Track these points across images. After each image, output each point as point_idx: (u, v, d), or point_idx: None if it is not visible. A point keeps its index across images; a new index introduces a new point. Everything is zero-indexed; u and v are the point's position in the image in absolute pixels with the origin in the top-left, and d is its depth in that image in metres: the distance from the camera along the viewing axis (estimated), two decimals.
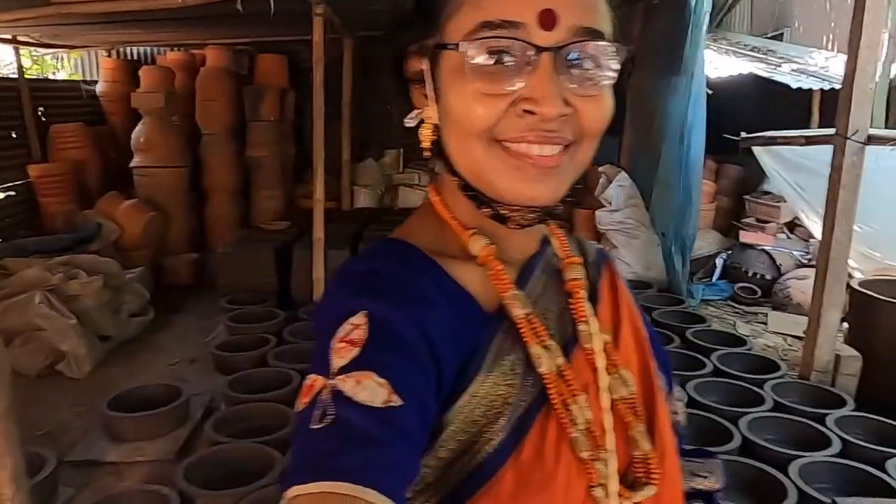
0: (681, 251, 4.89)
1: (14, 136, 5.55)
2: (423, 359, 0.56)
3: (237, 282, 4.80)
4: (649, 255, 5.23)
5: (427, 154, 0.65)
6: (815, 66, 5.81)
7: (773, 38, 7.17)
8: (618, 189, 5.31)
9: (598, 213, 5.36)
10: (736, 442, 2.65)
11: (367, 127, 7.68)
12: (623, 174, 5.40)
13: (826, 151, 3.35)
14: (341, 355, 0.53)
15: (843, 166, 3.08)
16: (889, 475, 2.41)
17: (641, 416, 0.66)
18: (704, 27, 4.37)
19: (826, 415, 2.87)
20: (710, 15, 7.74)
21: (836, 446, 2.62)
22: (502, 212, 0.61)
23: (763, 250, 5.46)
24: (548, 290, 0.68)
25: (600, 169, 5.61)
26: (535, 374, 0.61)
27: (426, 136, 0.64)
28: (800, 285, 4.88)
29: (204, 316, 4.82)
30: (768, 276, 5.37)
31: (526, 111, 0.56)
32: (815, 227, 4.46)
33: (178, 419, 3.14)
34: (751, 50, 6.26)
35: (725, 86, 5.79)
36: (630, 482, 0.63)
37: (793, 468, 2.43)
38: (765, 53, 6.11)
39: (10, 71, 6.48)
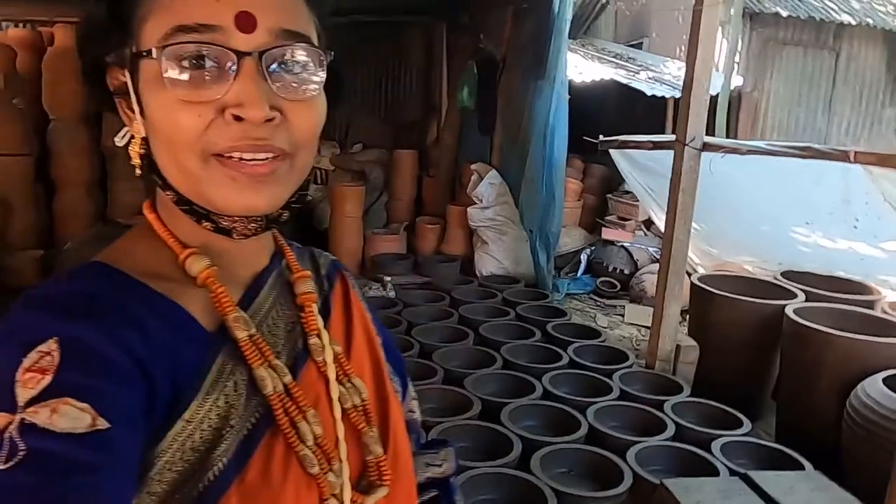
0: (545, 247, 5.09)
1: None
2: (130, 380, 0.52)
3: None
4: (518, 251, 5.41)
5: (138, 172, 0.62)
6: (668, 74, 6.23)
7: (633, 45, 7.63)
8: (488, 186, 5.45)
9: (469, 209, 5.47)
10: (583, 430, 2.80)
11: None
12: (493, 172, 5.54)
13: (670, 155, 3.61)
14: (29, 386, 0.48)
15: (682, 170, 3.33)
16: (713, 454, 2.64)
17: (374, 422, 0.69)
18: (566, 33, 4.57)
19: (664, 401, 3.09)
20: (579, 21, 8.13)
21: (671, 430, 2.83)
22: (224, 224, 0.60)
23: (622, 246, 5.81)
24: (277, 305, 0.68)
25: (472, 166, 5.73)
26: (260, 395, 0.60)
27: (135, 153, 0.61)
28: (653, 279, 5.20)
29: None
30: (626, 271, 5.73)
31: (235, 117, 0.55)
32: (664, 225, 4.80)
33: None
34: (614, 56, 6.62)
35: (593, 89, 6.10)
36: (364, 487, 0.66)
37: (630, 453, 2.60)
38: (626, 60, 6.48)
39: None
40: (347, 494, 0.62)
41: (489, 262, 5.44)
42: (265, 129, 0.56)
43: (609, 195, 6.51)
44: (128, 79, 0.59)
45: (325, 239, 6.11)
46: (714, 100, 5.33)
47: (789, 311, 3.31)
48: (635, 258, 5.73)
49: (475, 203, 5.50)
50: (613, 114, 7.00)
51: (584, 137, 4.39)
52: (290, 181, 0.61)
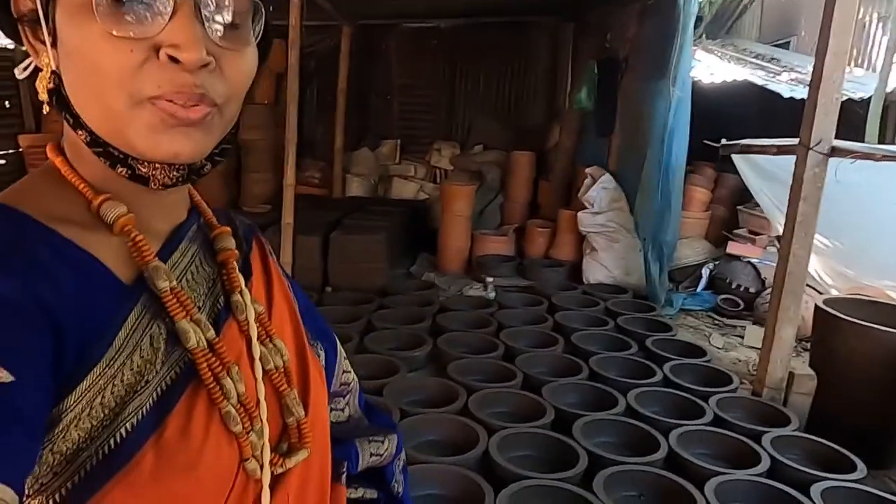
0: (658, 258, 4.78)
1: (7, 105, 5.64)
2: (37, 329, 0.49)
3: None
4: (630, 259, 5.13)
5: (46, 107, 0.58)
6: None
7: (779, 45, 6.99)
8: (601, 191, 5.22)
9: (580, 214, 5.27)
10: (662, 453, 2.57)
11: (366, 116, 7.67)
12: (607, 176, 5.30)
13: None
14: None
15: (804, 177, 2.97)
16: (811, 499, 2.32)
17: (294, 384, 0.67)
18: (690, 30, 4.25)
19: (764, 433, 2.77)
20: (721, 21, 7.58)
21: (765, 465, 2.53)
22: (142, 170, 0.55)
23: (749, 262, 5.32)
24: (197, 261, 0.65)
25: (587, 170, 5.52)
26: (181, 349, 0.57)
27: (43, 86, 0.57)
28: None
29: None
30: (752, 289, 5.24)
31: (170, 58, 0.51)
32: None
33: None
34: (755, 57, 6.10)
35: (730, 93, 5.64)
36: (284, 450, 0.65)
37: (710, 485, 2.34)
38: (768, 61, 5.94)
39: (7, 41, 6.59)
40: (267, 456, 0.61)
41: (598, 270, 5.21)
42: (200, 76, 0.53)
43: (740, 207, 5.99)
44: (38, 5, 0.54)
45: (435, 237, 6.17)
46: (866, 104, 4.75)
47: None
48: (763, 276, 5.21)
49: (587, 208, 5.29)
50: (754, 119, 6.41)
51: (705, 141, 4.06)
52: (218, 130, 0.57)
